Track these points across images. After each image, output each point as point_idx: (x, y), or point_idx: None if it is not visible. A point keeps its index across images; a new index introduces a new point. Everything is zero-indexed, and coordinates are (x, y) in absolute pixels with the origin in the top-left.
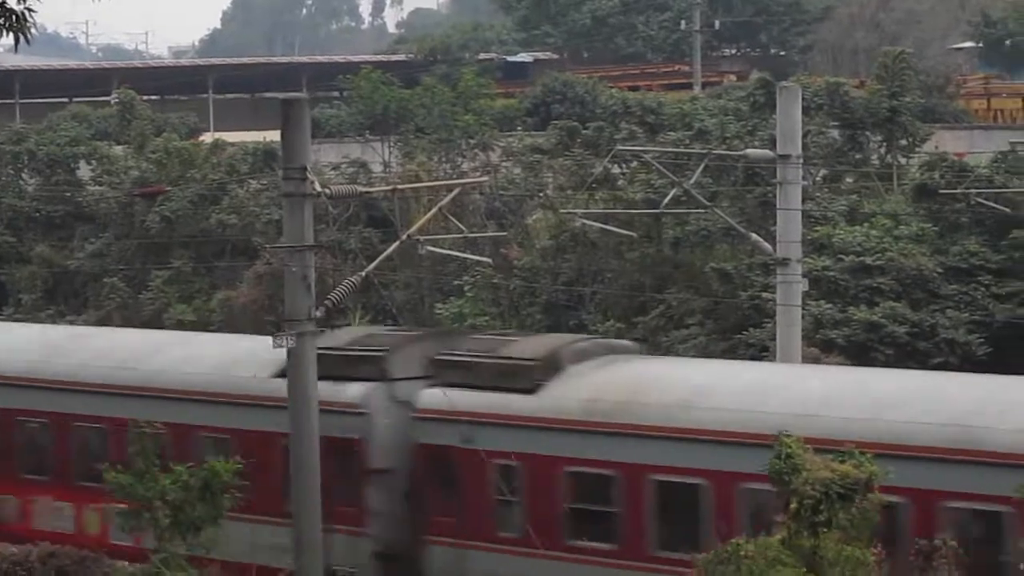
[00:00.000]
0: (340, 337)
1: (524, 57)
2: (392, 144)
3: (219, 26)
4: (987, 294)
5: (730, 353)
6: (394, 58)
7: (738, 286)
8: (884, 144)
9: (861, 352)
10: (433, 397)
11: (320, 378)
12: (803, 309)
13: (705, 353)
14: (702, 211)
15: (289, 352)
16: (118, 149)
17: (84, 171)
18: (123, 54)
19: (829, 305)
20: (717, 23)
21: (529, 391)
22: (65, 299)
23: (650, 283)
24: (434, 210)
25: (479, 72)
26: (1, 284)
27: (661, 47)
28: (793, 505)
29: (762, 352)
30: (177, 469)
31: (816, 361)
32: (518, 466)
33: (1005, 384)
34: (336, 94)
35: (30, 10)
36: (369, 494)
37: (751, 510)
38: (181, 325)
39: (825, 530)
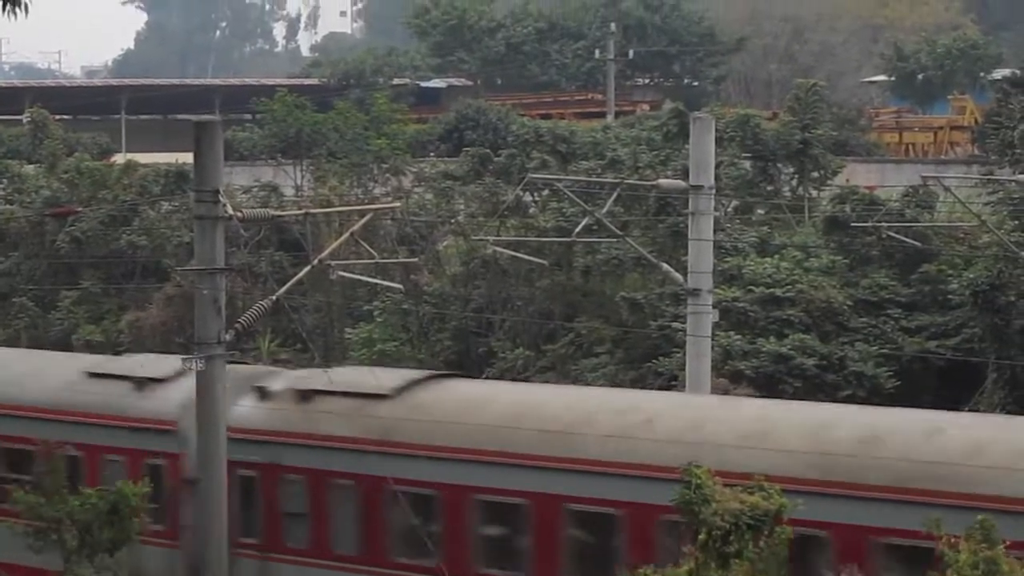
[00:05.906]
0: None
1: (437, 83)
2: (304, 168)
3: (132, 47)
4: (896, 327)
5: (639, 382)
6: (307, 82)
7: (648, 315)
8: (796, 176)
9: (770, 384)
10: None
11: None
12: (713, 340)
13: (614, 382)
14: (613, 240)
15: (198, 375)
16: (29, 168)
17: None
18: (36, 73)
19: (738, 336)
20: (631, 52)
21: None
22: None
23: (560, 311)
24: (345, 235)
25: (392, 97)
26: None
27: (575, 76)
28: (702, 536)
29: (671, 382)
30: (86, 491)
31: (725, 392)
32: None
33: None
34: (249, 117)
35: None
36: None
37: None
38: (89, 346)
39: (736, 561)
